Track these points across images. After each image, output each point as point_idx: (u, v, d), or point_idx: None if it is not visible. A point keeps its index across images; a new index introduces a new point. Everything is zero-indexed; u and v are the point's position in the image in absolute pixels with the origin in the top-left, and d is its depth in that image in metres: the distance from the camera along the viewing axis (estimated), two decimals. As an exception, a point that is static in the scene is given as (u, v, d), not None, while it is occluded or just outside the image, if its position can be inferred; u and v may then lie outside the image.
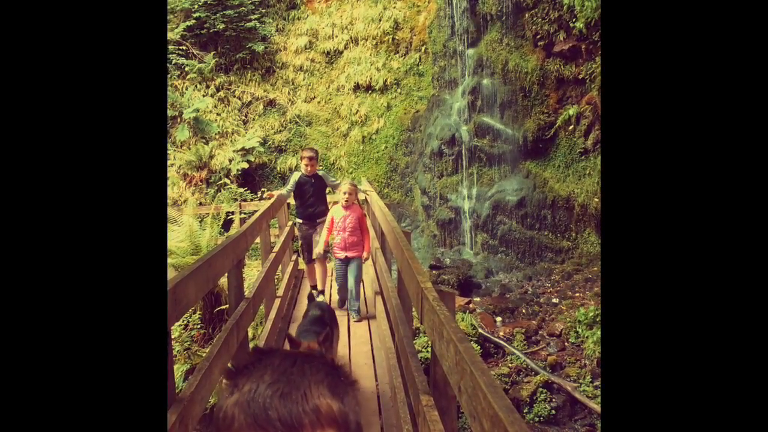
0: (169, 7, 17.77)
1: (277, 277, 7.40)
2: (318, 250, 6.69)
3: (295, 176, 6.94)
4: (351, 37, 17.72)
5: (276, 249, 6.72)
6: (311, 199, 6.93)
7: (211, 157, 15.86)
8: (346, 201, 6.48)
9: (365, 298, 7.38)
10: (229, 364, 3.59)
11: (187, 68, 17.10)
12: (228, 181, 15.46)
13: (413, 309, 3.89)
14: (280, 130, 17.18)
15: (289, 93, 17.78)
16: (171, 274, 7.84)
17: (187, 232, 8.02)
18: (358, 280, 6.69)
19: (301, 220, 7.12)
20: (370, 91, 16.88)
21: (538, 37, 12.50)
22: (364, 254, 6.57)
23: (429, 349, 3.71)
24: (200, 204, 14.18)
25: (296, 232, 7.83)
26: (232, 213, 12.60)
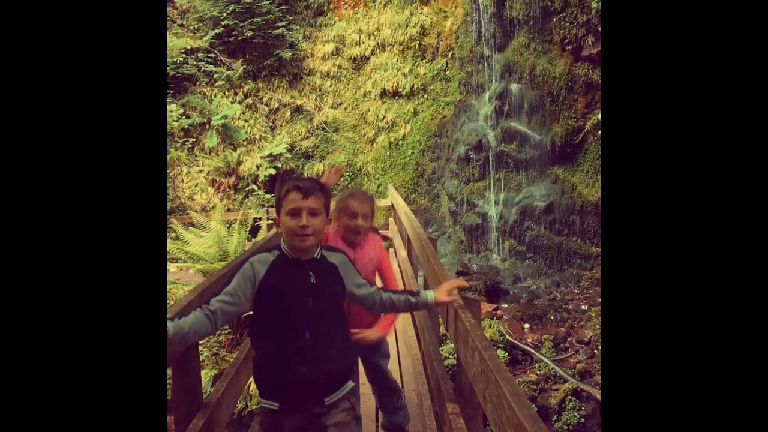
0: (197, 15, 18.04)
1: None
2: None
3: (257, 267, 2.19)
4: (378, 43, 17.77)
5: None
6: (307, 330, 2.19)
7: (239, 163, 16.04)
8: (358, 227, 2.98)
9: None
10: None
11: (215, 75, 17.32)
12: (256, 187, 15.62)
13: (439, 316, 3.86)
14: (307, 137, 17.31)
15: (316, 99, 17.90)
16: (199, 279, 7.92)
17: (215, 237, 8.10)
18: (386, 365, 3.44)
19: (274, 404, 2.21)
20: (396, 97, 16.91)
21: (566, 41, 12.40)
22: (371, 333, 2.99)
23: (455, 356, 3.66)
24: (228, 210, 14.34)
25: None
26: (260, 219, 12.69)
